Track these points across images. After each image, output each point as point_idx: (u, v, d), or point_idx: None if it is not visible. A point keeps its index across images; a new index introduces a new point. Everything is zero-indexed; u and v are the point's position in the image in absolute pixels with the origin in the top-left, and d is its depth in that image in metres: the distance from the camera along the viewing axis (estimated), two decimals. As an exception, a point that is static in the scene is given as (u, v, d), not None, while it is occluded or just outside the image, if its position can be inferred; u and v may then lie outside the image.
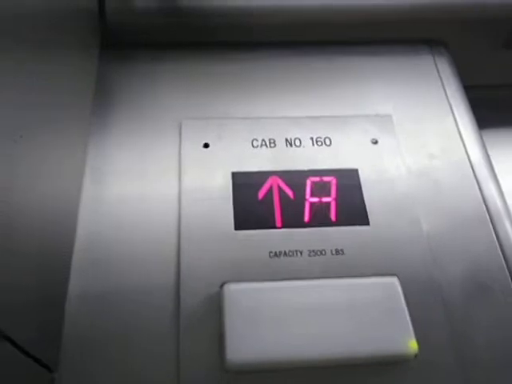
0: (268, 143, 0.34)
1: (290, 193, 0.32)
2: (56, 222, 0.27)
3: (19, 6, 0.23)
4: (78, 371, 0.26)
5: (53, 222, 0.27)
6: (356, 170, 0.33)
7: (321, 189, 0.32)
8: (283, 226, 0.31)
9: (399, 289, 0.28)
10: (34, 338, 0.23)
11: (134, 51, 0.38)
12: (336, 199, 0.32)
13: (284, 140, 0.34)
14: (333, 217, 0.31)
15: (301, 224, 0.31)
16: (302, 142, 0.34)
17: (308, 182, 0.33)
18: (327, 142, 0.35)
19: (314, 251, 0.30)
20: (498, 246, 0.31)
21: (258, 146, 0.34)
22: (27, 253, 0.23)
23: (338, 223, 0.31)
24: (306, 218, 0.31)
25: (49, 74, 0.27)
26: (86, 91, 0.34)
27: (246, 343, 0.26)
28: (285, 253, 0.30)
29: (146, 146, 0.34)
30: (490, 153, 0.37)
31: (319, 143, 0.34)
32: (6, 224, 0.20)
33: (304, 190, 0.32)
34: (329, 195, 0.32)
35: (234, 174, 0.33)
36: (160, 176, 0.33)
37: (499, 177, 0.36)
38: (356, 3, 0.39)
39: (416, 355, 0.26)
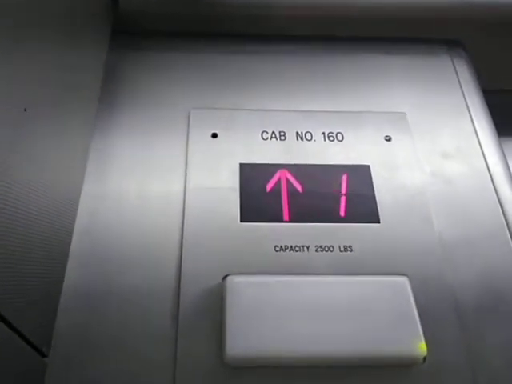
0: (278, 136, 0.33)
1: (298, 187, 0.31)
2: (55, 207, 0.27)
3: None
4: (70, 362, 0.25)
5: (52, 207, 0.26)
6: (368, 167, 0.32)
7: (331, 184, 0.31)
8: (290, 220, 0.30)
9: (409, 289, 0.27)
10: (28, 321, 0.22)
11: (145, 39, 0.38)
12: (346, 195, 0.31)
13: (295, 133, 0.34)
14: (342, 212, 0.30)
15: (309, 218, 0.30)
16: (314, 136, 0.33)
17: (318, 177, 0.32)
18: (339, 137, 0.34)
19: (321, 247, 0.29)
20: (514, 252, 0.30)
21: (267, 138, 0.33)
22: (24, 234, 0.22)
23: (347, 219, 0.30)
24: (315, 213, 0.30)
25: (57, 54, 0.26)
26: (95, 77, 0.34)
27: (246, 337, 0.25)
28: (291, 247, 0.29)
29: (153, 135, 0.33)
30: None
31: (331, 138, 0.34)
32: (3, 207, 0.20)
33: (313, 185, 0.31)
34: (339, 191, 0.31)
35: (241, 166, 0.32)
36: (166, 165, 0.32)
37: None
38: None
39: (425, 358, 0.25)
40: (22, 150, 0.21)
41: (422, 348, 0.25)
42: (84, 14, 0.31)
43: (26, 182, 0.22)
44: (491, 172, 0.33)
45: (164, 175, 0.31)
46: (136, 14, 0.37)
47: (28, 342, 0.22)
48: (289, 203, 0.30)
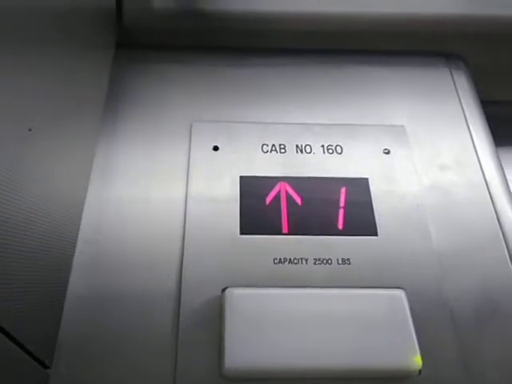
0: (278, 148, 0.34)
1: (298, 199, 0.32)
2: (60, 219, 0.27)
3: (39, 2, 0.23)
4: (73, 371, 0.26)
5: (56, 219, 0.26)
6: (366, 180, 0.33)
7: (330, 197, 0.32)
8: (290, 233, 0.30)
9: (405, 302, 0.27)
10: (30, 333, 0.23)
11: (149, 52, 0.38)
12: (345, 208, 0.31)
13: (294, 146, 0.34)
14: (340, 225, 0.31)
15: (307, 231, 0.30)
16: (313, 149, 0.34)
17: (317, 190, 0.32)
18: (338, 149, 0.34)
19: (319, 259, 0.29)
20: (510, 265, 0.30)
21: (267, 151, 0.34)
22: (28, 248, 0.22)
23: (345, 232, 0.30)
24: (313, 226, 0.31)
25: (63, 70, 0.27)
26: (99, 90, 0.34)
27: (245, 350, 0.25)
28: (290, 260, 0.29)
29: (155, 147, 0.34)
30: (506, 171, 0.36)
31: (330, 151, 0.34)
32: (8, 219, 0.20)
33: (312, 198, 0.32)
34: (337, 204, 0.32)
35: (242, 178, 0.32)
36: (168, 177, 0.33)
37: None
38: (375, 12, 0.39)
39: (420, 371, 0.25)
40: (26, 166, 0.22)
41: (417, 361, 0.25)
42: (88, 29, 0.31)
43: (30, 196, 0.22)
44: (488, 184, 0.34)
45: (166, 188, 0.32)
46: (140, 28, 0.37)
47: (30, 354, 0.23)
48: (288, 216, 0.31)
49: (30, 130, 0.21)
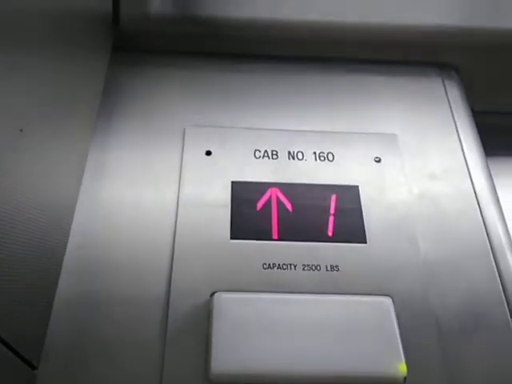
0: (270, 155, 0.34)
1: (288, 205, 0.32)
2: (50, 221, 0.27)
3: (36, 6, 0.24)
4: (60, 376, 0.26)
5: (47, 221, 0.26)
6: (357, 187, 0.33)
7: (320, 204, 0.32)
8: (279, 239, 0.30)
9: (392, 310, 0.28)
10: (18, 334, 0.23)
11: (145, 56, 0.38)
12: (334, 215, 0.32)
13: (287, 152, 0.34)
14: (330, 232, 0.31)
15: (297, 237, 0.31)
16: (305, 156, 0.34)
17: (307, 196, 0.32)
18: (330, 157, 0.34)
19: (308, 266, 0.30)
20: (497, 276, 0.31)
21: (260, 157, 0.34)
22: (17, 250, 0.23)
23: (334, 239, 0.31)
24: (303, 232, 0.31)
25: (58, 72, 0.27)
26: (94, 93, 0.35)
27: (232, 354, 0.25)
28: (279, 265, 0.30)
29: (148, 151, 0.34)
30: (495, 181, 0.36)
31: (322, 158, 0.34)
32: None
33: (303, 204, 0.32)
34: (328, 211, 0.32)
35: (233, 183, 0.32)
36: (160, 181, 0.33)
37: (502, 205, 0.35)
38: (369, 22, 0.39)
39: (405, 378, 0.26)
40: (17, 167, 0.22)
41: (402, 368, 0.25)
42: (85, 32, 0.32)
43: (20, 198, 0.23)
44: (477, 193, 0.34)
45: (158, 191, 0.32)
46: (136, 32, 0.37)
47: (18, 355, 0.23)
48: (278, 222, 0.31)
49: (21, 130, 0.21)
